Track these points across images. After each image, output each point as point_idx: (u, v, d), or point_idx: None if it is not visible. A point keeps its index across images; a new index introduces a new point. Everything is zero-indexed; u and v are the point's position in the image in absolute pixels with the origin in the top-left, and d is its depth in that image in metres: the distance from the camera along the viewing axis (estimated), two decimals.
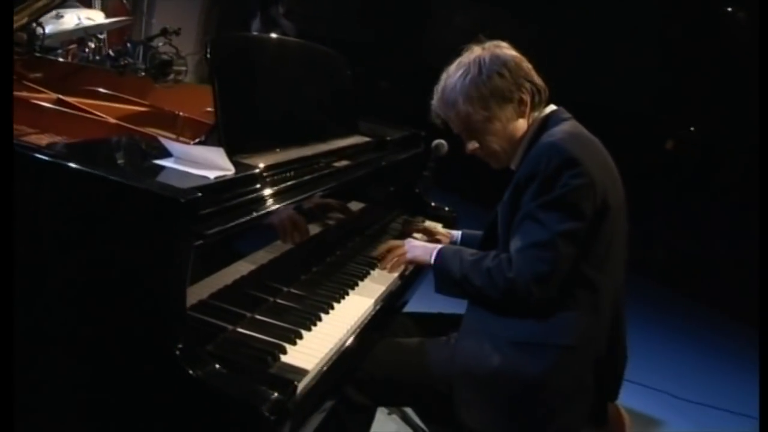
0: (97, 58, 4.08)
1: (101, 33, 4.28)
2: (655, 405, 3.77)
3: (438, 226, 2.62)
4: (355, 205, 2.26)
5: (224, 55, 1.75)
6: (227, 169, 1.50)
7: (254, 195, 1.53)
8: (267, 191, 1.59)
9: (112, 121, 2.02)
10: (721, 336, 5.37)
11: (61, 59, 3.20)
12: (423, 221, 2.71)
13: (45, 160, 1.34)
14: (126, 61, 2.71)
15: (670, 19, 7.02)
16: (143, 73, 2.73)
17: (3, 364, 1.25)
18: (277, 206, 1.60)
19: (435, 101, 2.04)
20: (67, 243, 1.31)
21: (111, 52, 2.66)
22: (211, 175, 1.45)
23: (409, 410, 2.97)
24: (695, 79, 6.89)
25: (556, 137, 1.87)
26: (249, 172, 1.55)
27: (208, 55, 1.67)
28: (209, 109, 2.62)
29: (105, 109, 2.14)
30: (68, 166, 1.33)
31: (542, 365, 1.83)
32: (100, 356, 1.31)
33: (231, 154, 1.55)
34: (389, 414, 3.00)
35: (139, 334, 1.28)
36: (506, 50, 1.99)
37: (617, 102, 7.02)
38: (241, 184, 1.52)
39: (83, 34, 3.90)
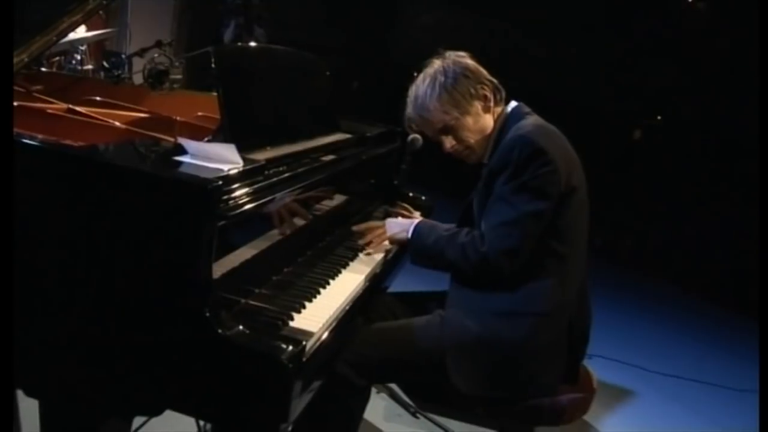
0: (80, 68, 4.27)
1: (82, 45, 4.48)
2: (629, 379, 4.03)
3: (416, 213, 2.86)
4: (341, 197, 2.49)
5: (227, 63, 1.99)
6: (237, 163, 1.73)
7: (262, 184, 1.76)
8: (271, 180, 1.82)
9: (122, 126, 2.23)
10: (686, 312, 5.71)
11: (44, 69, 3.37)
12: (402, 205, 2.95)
13: (85, 159, 1.58)
14: (119, 72, 2.92)
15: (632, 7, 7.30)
16: (142, 82, 2.93)
17: (3, 362, 1.39)
18: (282, 193, 1.84)
19: (409, 111, 2.30)
20: (105, 231, 1.54)
21: (105, 64, 2.88)
22: (224, 167, 1.68)
23: (395, 388, 3.21)
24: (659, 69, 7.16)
25: (525, 130, 2.11)
26: (255, 165, 1.78)
27: (213, 65, 1.90)
28: (200, 113, 2.82)
29: (111, 116, 2.34)
30: (103, 163, 1.57)
31: (520, 332, 2.06)
32: (137, 321, 1.54)
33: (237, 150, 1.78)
34: (377, 393, 3.25)
35: (174, 303, 1.51)
36: (465, 59, 2.27)
37: (584, 98, 7.30)
38: (251, 174, 1.75)
39: (68, 47, 4.09)
